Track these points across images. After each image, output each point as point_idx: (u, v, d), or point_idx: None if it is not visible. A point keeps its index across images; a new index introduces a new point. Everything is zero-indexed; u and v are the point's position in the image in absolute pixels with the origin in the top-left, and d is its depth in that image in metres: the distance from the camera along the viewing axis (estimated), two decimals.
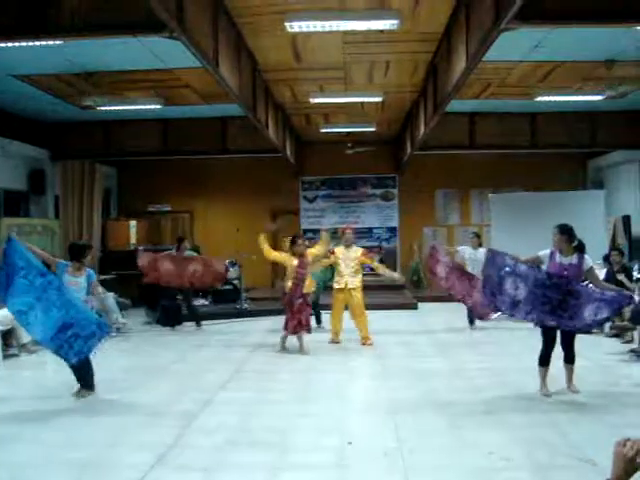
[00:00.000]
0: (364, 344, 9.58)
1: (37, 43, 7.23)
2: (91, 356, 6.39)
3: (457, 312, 11.05)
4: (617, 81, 10.35)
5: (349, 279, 9.59)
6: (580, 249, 6.42)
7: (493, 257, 6.50)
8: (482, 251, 10.74)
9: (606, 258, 10.81)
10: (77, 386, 6.62)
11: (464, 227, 17.28)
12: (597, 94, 10.98)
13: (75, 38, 7.07)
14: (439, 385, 6.98)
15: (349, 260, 9.70)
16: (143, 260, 11.27)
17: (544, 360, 6.53)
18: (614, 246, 12.45)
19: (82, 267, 6.81)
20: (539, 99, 11.45)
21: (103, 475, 4.46)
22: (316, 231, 16.72)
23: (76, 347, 6.16)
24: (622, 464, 2.08)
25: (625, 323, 9.16)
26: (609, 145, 14.55)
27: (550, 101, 11.83)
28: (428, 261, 11.23)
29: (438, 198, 17.52)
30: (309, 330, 9.04)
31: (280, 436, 5.28)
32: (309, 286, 9.10)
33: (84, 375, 6.61)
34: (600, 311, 6.06)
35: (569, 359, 6.51)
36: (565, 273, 6.27)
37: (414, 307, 13.69)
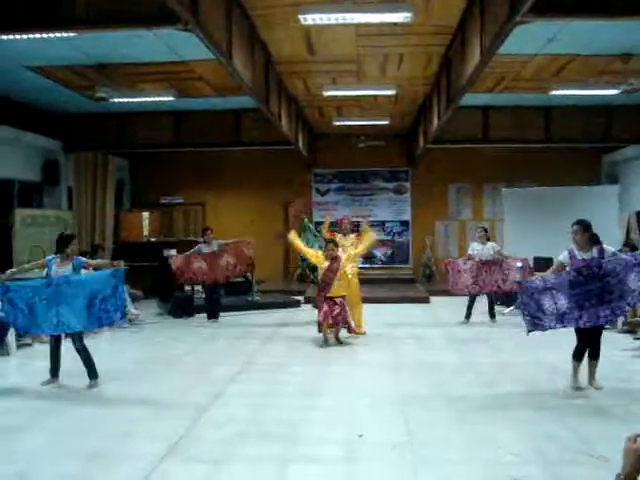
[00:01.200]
0: (358, 333, 9.68)
1: (51, 35, 7.26)
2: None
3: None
4: (633, 75, 10.26)
5: (347, 265, 9.65)
6: (597, 242, 6.38)
7: (524, 289, 6.43)
8: (490, 246, 10.79)
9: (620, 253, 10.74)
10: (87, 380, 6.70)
11: (476, 222, 17.22)
12: (612, 88, 10.90)
13: (89, 30, 7.09)
14: (450, 379, 6.97)
15: (347, 247, 9.93)
16: (176, 264, 11.34)
17: (579, 354, 6.45)
18: (627, 242, 12.37)
19: (69, 257, 6.83)
20: (553, 93, 11.37)
21: (114, 465, 4.49)
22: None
23: (111, 306, 6.37)
24: (633, 459, 2.07)
25: (638, 319, 9.11)
26: (624, 140, 14.43)
27: (565, 95, 11.76)
28: (449, 278, 11.03)
29: (451, 192, 17.46)
30: (345, 328, 9.12)
31: (290, 429, 5.29)
32: (338, 289, 9.13)
33: (90, 363, 6.71)
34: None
35: (594, 355, 6.44)
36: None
37: (426, 301, 13.66)
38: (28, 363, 8.20)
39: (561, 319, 6.17)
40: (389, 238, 17.45)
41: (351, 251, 9.76)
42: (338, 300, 9.01)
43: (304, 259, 10.72)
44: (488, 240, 11.04)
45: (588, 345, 6.41)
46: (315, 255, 9.59)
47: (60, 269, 6.74)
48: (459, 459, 4.56)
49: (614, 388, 6.49)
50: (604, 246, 6.37)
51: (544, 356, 7.99)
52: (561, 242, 10.44)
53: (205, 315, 11.56)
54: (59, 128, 14.04)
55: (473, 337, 9.62)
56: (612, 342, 8.98)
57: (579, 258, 6.32)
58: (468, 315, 10.86)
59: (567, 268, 6.39)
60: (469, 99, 11.00)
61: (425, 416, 5.62)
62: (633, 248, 10.45)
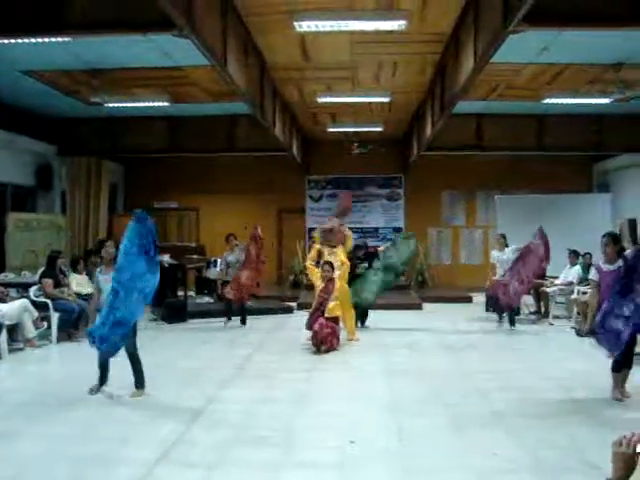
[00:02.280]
0: (350, 339, 9.74)
1: (46, 40, 7.27)
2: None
3: (461, 312, 11.03)
4: (625, 84, 10.33)
5: (336, 272, 9.68)
6: (622, 254, 6.41)
7: (595, 332, 6.31)
8: (508, 251, 10.90)
9: None
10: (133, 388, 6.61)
11: (469, 229, 17.31)
12: (605, 97, 10.97)
13: (84, 35, 7.11)
14: (443, 385, 6.98)
15: (334, 255, 10.03)
16: (233, 290, 11.16)
17: (619, 366, 6.31)
18: (619, 250, 12.41)
19: (110, 263, 6.73)
20: (547, 101, 11.44)
21: (107, 470, 4.48)
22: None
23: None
24: (621, 463, 2.09)
25: None
26: (616, 148, 14.53)
27: (558, 103, 11.82)
28: (503, 298, 10.97)
29: (444, 199, 17.52)
30: (331, 349, 8.99)
31: (283, 434, 5.29)
32: (332, 310, 9.15)
33: (140, 372, 6.59)
34: None
35: (630, 364, 6.33)
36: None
37: (419, 307, 13.68)
38: (20, 367, 8.17)
39: (628, 324, 5.95)
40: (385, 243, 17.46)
41: (336, 261, 9.83)
42: (331, 323, 9.02)
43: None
44: (506, 246, 11.18)
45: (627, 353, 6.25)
46: (314, 277, 9.73)
47: (107, 276, 6.60)
48: (453, 466, 4.57)
49: (604, 395, 6.50)
50: (627, 254, 6.41)
51: (537, 363, 8.01)
52: (554, 249, 10.55)
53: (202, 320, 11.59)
54: (53, 132, 14.03)
55: (466, 344, 9.64)
56: (602, 349, 9.01)
57: (605, 271, 6.35)
58: (512, 321, 10.79)
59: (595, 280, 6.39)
60: (463, 107, 11.05)
61: (418, 422, 5.63)
62: (625, 256, 10.50)
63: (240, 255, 11.53)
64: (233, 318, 11.50)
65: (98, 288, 6.78)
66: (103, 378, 6.66)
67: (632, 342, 6.22)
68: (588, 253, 11.74)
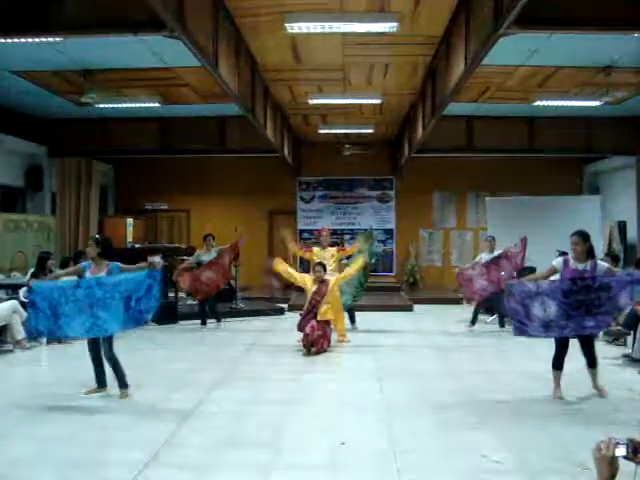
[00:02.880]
0: (341, 341, 9.74)
1: (37, 40, 7.25)
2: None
3: (452, 314, 11.05)
4: (615, 87, 10.39)
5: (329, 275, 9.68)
6: (592, 254, 6.45)
7: (511, 289, 6.47)
8: (497, 254, 10.96)
9: None
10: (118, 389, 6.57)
11: (460, 230, 17.35)
12: (595, 100, 11.03)
13: (75, 35, 7.10)
14: (433, 387, 7.00)
15: (326, 260, 9.99)
16: (185, 284, 11.30)
17: (557, 364, 6.53)
18: (609, 252, 12.49)
19: (101, 263, 6.63)
20: (537, 104, 11.49)
21: (96, 472, 4.46)
22: (312, 231, 16.82)
23: (144, 306, 6.26)
24: (605, 466, 2.10)
25: (619, 328, 9.20)
26: (606, 151, 14.61)
27: (548, 106, 11.89)
28: (465, 291, 11.11)
29: (435, 201, 17.56)
30: (321, 350, 8.96)
31: (273, 436, 5.28)
32: (324, 313, 9.14)
33: (120, 373, 6.56)
34: (630, 292, 6.09)
35: (592, 363, 6.54)
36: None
37: (410, 309, 13.70)
38: (8, 369, 8.13)
39: (546, 327, 6.22)
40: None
41: (331, 262, 9.82)
42: (322, 325, 9.01)
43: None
44: (493, 249, 11.23)
45: (584, 354, 6.52)
46: (302, 279, 9.62)
47: (94, 276, 6.59)
48: (442, 467, 4.57)
49: (596, 396, 6.55)
50: (598, 261, 6.45)
51: (526, 364, 8.04)
52: (544, 251, 10.60)
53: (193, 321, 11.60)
54: (43, 133, 13.98)
55: (456, 345, 9.66)
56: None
57: (572, 267, 6.38)
58: (474, 320, 10.91)
59: (558, 275, 6.45)
60: (454, 109, 11.09)
61: (408, 424, 5.63)
62: (615, 258, 10.57)
63: (214, 255, 11.51)
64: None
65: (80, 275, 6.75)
66: (100, 380, 6.63)
67: (587, 343, 6.51)
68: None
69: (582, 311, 6.10)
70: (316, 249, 10.44)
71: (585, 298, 6.09)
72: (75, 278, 6.72)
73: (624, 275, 6.29)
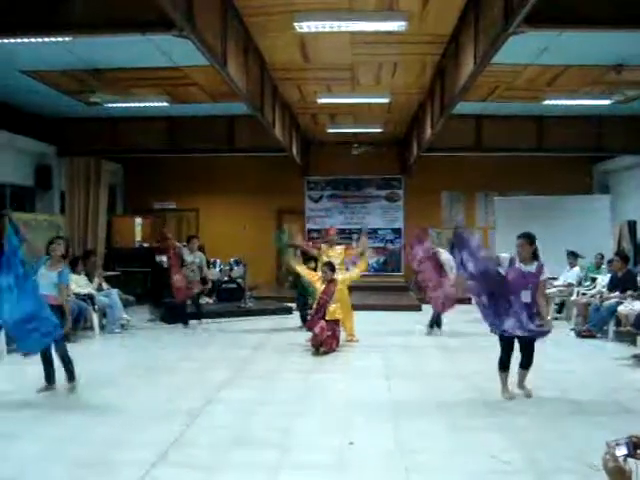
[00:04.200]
0: (350, 341, 9.75)
1: (46, 39, 7.25)
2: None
3: (459, 314, 11.01)
4: (625, 86, 10.33)
5: (338, 274, 9.66)
6: (537, 257, 6.44)
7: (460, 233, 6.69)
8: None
9: (611, 262, 10.83)
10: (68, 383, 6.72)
11: (469, 230, 17.25)
12: (605, 98, 10.97)
13: (84, 35, 7.09)
14: (441, 387, 6.98)
15: (333, 258, 9.97)
16: (178, 284, 11.15)
17: (503, 365, 6.55)
18: (618, 251, 12.44)
19: (57, 262, 6.83)
20: (547, 102, 11.44)
21: (105, 472, 4.47)
22: (319, 231, 16.79)
23: (31, 340, 6.32)
24: (618, 476, 2.08)
25: (629, 328, 9.15)
26: (616, 150, 14.51)
27: (558, 105, 11.82)
28: (411, 239, 11.15)
29: (444, 200, 17.51)
30: (330, 350, 8.97)
31: (281, 435, 5.28)
32: (333, 313, 9.13)
33: (70, 366, 6.71)
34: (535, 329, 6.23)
35: (526, 365, 6.53)
36: (524, 280, 6.29)
37: (418, 309, 13.67)
38: (19, 369, 8.14)
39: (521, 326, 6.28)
40: (382, 246, 17.47)
41: (337, 261, 9.80)
42: (331, 326, 9.01)
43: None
44: None
45: (521, 355, 6.52)
46: (312, 278, 9.70)
47: (47, 273, 6.73)
48: (450, 467, 4.56)
49: (606, 396, 6.53)
50: (544, 267, 6.42)
51: (534, 363, 7.99)
52: (553, 250, 10.56)
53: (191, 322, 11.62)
54: (52, 132, 14.00)
55: (464, 345, 9.64)
56: (604, 350, 9.03)
57: (517, 266, 6.37)
58: (437, 324, 10.80)
59: (502, 271, 6.46)
60: (462, 107, 11.04)
61: (416, 424, 5.62)
62: (624, 258, 10.51)
63: (197, 260, 11.47)
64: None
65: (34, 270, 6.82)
66: (48, 376, 6.73)
67: (527, 344, 6.47)
68: (600, 253, 11.84)
69: (517, 309, 6.20)
70: (324, 246, 10.42)
71: (501, 292, 6.28)
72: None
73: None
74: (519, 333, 6.27)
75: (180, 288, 11.08)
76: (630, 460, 2.13)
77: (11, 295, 6.25)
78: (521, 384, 6.60)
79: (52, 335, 6.38)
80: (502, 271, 6.46)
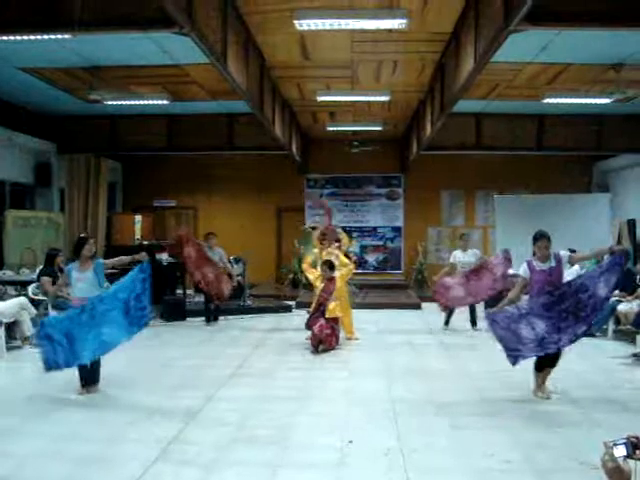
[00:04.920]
0: (349, 339, 9.77)
1: (45, 37, 7.24)
2: None
3: (459, 312, 11.01)
4: (625, 84, 10.32)
5: (336, 271, 9.64)
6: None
7: (493, 318, 6.41)
8: (471, 253, 10.84)
9: None
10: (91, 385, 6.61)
11: (469, 228, 17.27)
12: (605, 97, 10.95)
13: (84, 32, 7.07)
14: (441, 385, 6.98)
15: (330, 256, 9.91)
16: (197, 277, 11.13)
17: (540, 366, 6.49)
18: None
19: (88, 261, 6.77)
20: (547, 101, 11.42)
21: (105, 469, 4.47)
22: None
23: (144, 302, 6.42)
24: (617, 476, 2.08)
25: (628, 327, 9.16)
26: (616, 149, 14.51)
27: (558, 103, 11.81)
28: (440, 299, 10.90)
29: (443, 198, 17.50)
30: (330, 348, 8.97)
31: (281, 433, 5.28)
32: (333, 310, 9.13)
33: (98, 369, 6.62)
34: (608, 280, 6.07)
35: (552, 364, 6.46)
36: (549, 278, 6.30)
37: (418, 307, 13.67)
38: (18, 366, 8.16)
39: (541, 345, 6.15)
40: (381, 244, 17.47)
41: (335, 261, 9.75)
42: (330, 324, 9.01)
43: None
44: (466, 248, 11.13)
45: (551, 357, 6.40)
46: (313, 276, 9.76)
47: (81, 274, 6.66)
48: (450, 466, 4.56)
49: (605, 395, 6.54)
50: (559, 252, 6.43)
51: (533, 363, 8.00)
52: (553, 249, 10.52)
53: (201, 319, 11.65)
54: (52, 130, 14.00)
55: (464, 343, 9.64)
56: (603, 349, 9.03)
57: (538, 269, 6.37)
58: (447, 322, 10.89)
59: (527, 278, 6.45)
60: (462, 106, 11.03)
61: (416, 422, 5.62)
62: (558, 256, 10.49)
63: (217, 258, 11.41)
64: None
65: (67, 282, 6.86)
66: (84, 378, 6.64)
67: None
68: None
69: (571, 321, 6.06)
70: (323, 245, 10.33)
71: (568, 305, 6.06)
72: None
73: (593, 270, 6.31)
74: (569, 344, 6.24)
75: (211, 282, 11.05)
76: (629, 460, 2.12)
77: (110, 331, 6.30)
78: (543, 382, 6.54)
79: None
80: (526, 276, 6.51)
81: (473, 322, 10.80)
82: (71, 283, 6.73)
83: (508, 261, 9.72)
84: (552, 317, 6.09)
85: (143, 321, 6.47)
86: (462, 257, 10.88)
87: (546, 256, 6.39)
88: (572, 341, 6.15)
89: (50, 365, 6.24)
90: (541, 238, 6.42)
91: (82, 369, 6.49)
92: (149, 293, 6.45)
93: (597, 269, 6.22)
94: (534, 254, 6.49)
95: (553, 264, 6.35)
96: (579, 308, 6.05)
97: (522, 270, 6.54)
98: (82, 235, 7.91)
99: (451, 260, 11.07)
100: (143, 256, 6.85)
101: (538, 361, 6.45)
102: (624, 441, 2.14)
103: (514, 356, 6.26)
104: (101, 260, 6.97)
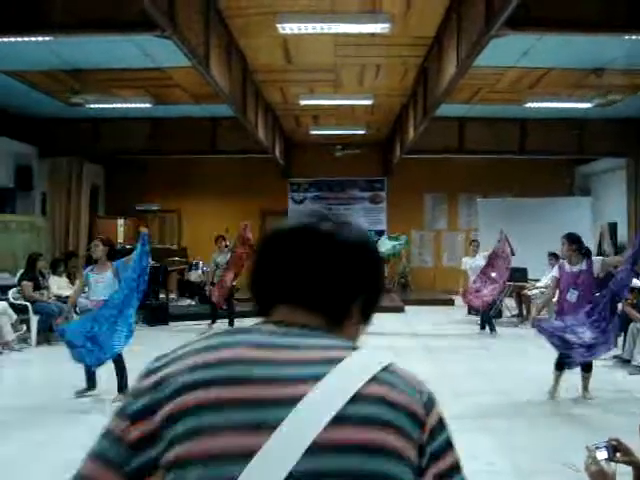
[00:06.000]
0: None
1: (27, 39, 7.19)
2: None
3: (443, 315, 11.06)
4: (606, 89, 10.41)
5: None
6: (588, 255, 6.55)
7: (540, 328, 6.52)
8: (479, 257, 10.96)
9: None
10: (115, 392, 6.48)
11: (452, 232, 17.35)
12: (586, 102, 11.04)
13: (65, 35, 7.05)
14: None
15: None
16: (216, 297, 11.18)
17: (560, 364, 6.53)
18: (599, 253, 12.53)
19: (105, 264, 6.69)
20: (529, 105, 11.51)
21: None
22: None
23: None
24: (600, 479, 2.09)
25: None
26: (597, 152, 14.65)
27: (539, 108, 11.90)
28: (471, 301, 11.05)
29: (426, 202, 17.56)
30: None
31: None
32: None
33: (123, 375, 6.49)
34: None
35: (588, 367, 6.53)
36: (578, 281, 6.39)
37: (401, 310, 13.68)
38: (2, 372, 8.06)
39: (592, 350, 6.20)
40: None
41: None
42: None
43: None
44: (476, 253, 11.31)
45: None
46: None
47: (100, 277, 6.61)
48: None
49: (586, 398, 6.56)
50: (592, 259, 6.56)
51: (518, 365, 8.05)
52: (535, 252, 10.62)
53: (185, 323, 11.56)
54: (34, 133, 13.87)
55: (448, 347, 9.67)
56: None
57: (567, 271, 6.46)
58: (492, 327, 10.76)
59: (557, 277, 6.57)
60: (445, 110, 11.07)
61: None
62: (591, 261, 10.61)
63: (228, 256, 11.41)
64: (219, 321, 11.46)
65: (85, 285, 6.82)
66: (90, 382, 6.60)
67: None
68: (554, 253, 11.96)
69: (607, 319, 6.18)
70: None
71: (601, 303, 6.21)
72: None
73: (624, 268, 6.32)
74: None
75: (229, 288, 11.19)
76: (611, 463, 2.14)
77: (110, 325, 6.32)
78: (585, 389, 6.60)
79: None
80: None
81: (491, 327, 10.75)
82: (90, 287, 6.67)
83: (506, 239, 10.33)
84: (596, 322, 6.17)
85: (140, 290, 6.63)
86: (472, 262, 11.09)
87: (572, 258, 6.50)
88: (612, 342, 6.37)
89: (86, 366, 6.48)
90: (562, 240, 6.59)
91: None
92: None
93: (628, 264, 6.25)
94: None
95: (584, 267, 6.45)
96: (608, 302, 6.23)
97: (554, 271, 6.82)
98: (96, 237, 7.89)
99: (462, 267, 11.28)
100: (143, 229, 6.95)
101: (559, 358, 6.49)
102: (605, 444, 2.15)
103: (568, 362, 6.36)
104: (120, 260, 6.88)
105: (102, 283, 6.57)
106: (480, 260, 11.02)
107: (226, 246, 11.57)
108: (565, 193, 16.16)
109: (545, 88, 10.95)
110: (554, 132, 13.98)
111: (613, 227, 14.28)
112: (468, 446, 4.97)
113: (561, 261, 6.73)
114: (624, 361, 8.19)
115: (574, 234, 6.56)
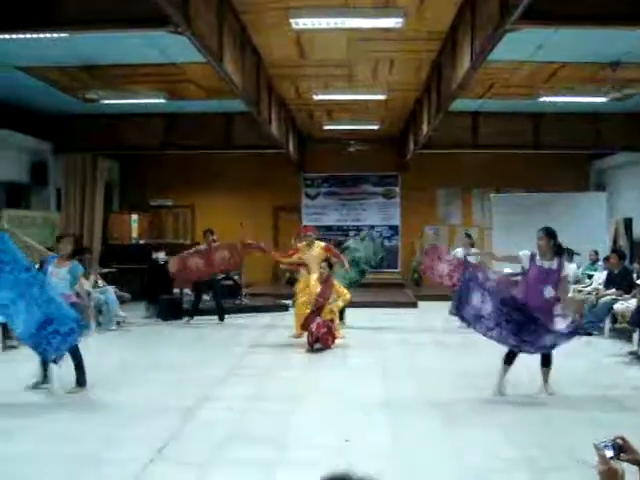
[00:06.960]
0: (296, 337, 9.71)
1: (42, 35, 7.22)
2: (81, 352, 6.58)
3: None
4: (621, 83, 10.33)
5: (314, 275, 9.58)
6: (560, 254, 6.40)
7: (467, 265, 6.63)
8: (474, 252, 10.81)
9: (607, 260, 10.84)
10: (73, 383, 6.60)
11: (465, 227, 17.27)
12: (601, 96, 10.95)
13: (80, 31, 7.06)
14: (437, 384, 6.98)
15: (312, 258, 9.82)
16: (173, 267, 11.36)
17: (508, 358, 6.49)
18: (614, 248, 12.46)
19: (66, 260, 6.82)
20: (543, 100, 11.43)
21: (101, 469, 4.46)
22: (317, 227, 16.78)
23: (54, 344, 6.07)
24: (611, 478, 2.07)
25: (625, 325, 9.17)
26: (612, 147, 14.53)
27: (554, 102, 11.82)
28: (426, 260, 11.23)
29: (440, 197, 17.52)
30: (326, 347, 8.92)
31: (277, 433, 5.28)
32: (327, 312, 9.12)
33: (81, 370, 6.60)
34: (558, 340, 6.13)
35: (546, 363, 6.48)
36: (548, 279, 6.26)
37: (414, 306, 13.67)
38: (14, 366, 8.11)
39: (476, 320, 6.25)
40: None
41: (315, 261, 9.66)
42: (327, 322, 8.99)
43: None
44: (472, 246, 11.12)
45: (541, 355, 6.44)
46: (305, 279, 9.77)
47: (56, 269, 6.69)
48: (447, 464, 4.56)
49: (601, 393, 6.54)
50: (565, 263, 6.47)
51: (530, 361, 8.00)
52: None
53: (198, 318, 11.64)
54: (49, 129, 13.96)
55: (461, 342, 9.63)
56: (599, 348, 9.04)
57: (538, 264, 6.34)
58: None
59: (522, 267, 6.47)
60: (459, 105, 11.03)
61: (413, 421, 5.62)
62: (621, 255, 10.53)
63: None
64: (220, 319, 11.67)
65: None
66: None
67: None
68: (594, 250, 11.84)
69: (510, 327, 6.06)
70: (301, 245, 10.20)
71: (516, 318, 6.04)
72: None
73: (556, 327, 6.17)
74: (544, 352, 6.31)
75: (192, 272, 11.41)
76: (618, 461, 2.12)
77: (17, 308, 6.03)
78: (545, 383, 6.53)
79: (76, 332, 6.21)
80: (525, 267, 6.54)
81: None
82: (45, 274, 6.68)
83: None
84: (500, 310, 6.09)
85: (41, 348, 6.28)
86: (464, 252, 10.87)
87: (547, 253, 6.34)
88: (498, 341, 6.26)
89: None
90: (540, 234, 6.39)
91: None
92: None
93: (558, 329, 6.14)
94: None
95: (554, 266, 6.28)
96: (523, 330, 6.06)
97: (522, 253, 6.53)
98: (60, 234, 7.94)
99: (455, 256, 11.19)
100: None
101: (508, 352, 6.45)
102: (611, 443, 2.13)
103: (456, 307, 6.52)
104: (80, 269, 7.00)
105: (55, 277, 6.65)
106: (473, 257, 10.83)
107: (214, 241, 11.54)
108: (580, 188, 16.06)
109: (560, 82, 10.87)
110: (569, 126, 13.89)
111: (628, 222, 14.18)
112: (482, 441, 4.99)
113: (535, 251, 6.50)
114: (639, 357, 8.15)
115: (552, 229, 6.43)
